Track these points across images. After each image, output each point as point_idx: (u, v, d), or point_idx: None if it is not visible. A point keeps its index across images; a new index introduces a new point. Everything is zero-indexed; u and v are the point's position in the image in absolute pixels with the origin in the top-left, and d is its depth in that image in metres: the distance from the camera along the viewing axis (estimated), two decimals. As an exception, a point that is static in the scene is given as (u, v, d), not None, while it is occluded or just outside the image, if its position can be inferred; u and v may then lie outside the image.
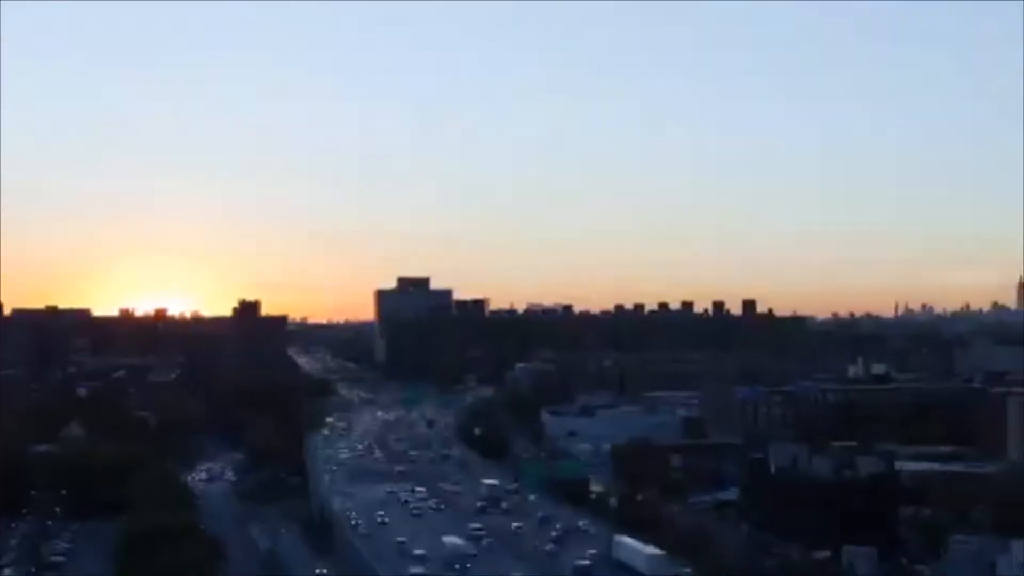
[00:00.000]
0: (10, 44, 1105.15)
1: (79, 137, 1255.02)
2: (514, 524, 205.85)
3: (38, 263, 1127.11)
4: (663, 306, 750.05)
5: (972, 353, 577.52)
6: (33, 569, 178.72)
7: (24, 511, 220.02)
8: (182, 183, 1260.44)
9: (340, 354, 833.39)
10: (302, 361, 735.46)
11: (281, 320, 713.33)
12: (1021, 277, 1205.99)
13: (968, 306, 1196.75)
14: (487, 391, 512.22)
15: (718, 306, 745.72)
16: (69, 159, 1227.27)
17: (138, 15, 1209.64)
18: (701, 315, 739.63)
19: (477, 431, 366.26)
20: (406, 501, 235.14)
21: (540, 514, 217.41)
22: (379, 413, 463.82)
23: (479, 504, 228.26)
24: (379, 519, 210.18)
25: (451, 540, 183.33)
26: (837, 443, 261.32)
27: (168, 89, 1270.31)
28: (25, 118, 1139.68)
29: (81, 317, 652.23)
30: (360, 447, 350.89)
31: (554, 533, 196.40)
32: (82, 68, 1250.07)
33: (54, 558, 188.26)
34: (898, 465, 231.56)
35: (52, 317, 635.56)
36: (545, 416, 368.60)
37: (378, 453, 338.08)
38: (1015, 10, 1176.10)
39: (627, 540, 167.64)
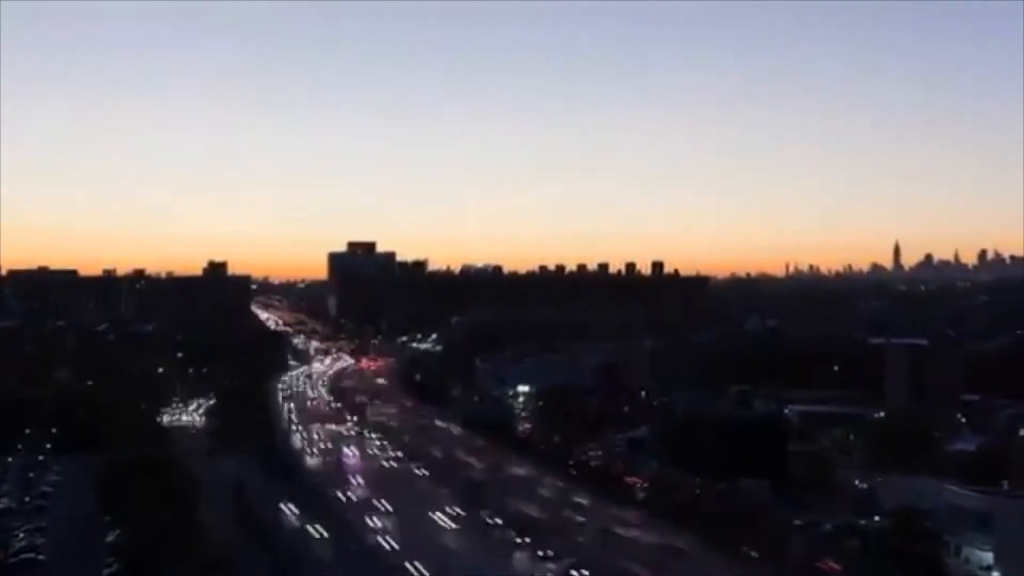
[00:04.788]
0: (9, 21, 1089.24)
1: (71, 119, 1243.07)
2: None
3: (30, 228, 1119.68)
4: (581, 267, 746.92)
5: (853, 308, 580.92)
6: (27, 499, 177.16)
7: (18, 448, 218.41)
8: (162, 158, 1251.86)
9: (297, 310, 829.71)
10: (264, 316, 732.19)
11: (246, 279, 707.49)
12: (897, 241, 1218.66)
13: (850, 267, 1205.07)
14: (427, 343, 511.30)
15: (630, 267, 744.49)
16: (61, 141, 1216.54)
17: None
18: (615, 275, 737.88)
19: (418, 378, 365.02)
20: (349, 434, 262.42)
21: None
22: (331, 362, 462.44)
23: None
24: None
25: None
26: (735, 387, 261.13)
27: (156, 69, 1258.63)
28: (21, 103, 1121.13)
29: (69, 277, 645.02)
30: (313, 392, 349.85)
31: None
32: (74, 49, 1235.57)
33: (45, 488, 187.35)
34: (788, 407, 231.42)
35: (43, 277, 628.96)
36: (478, 364, 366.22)
37: (328, 397, 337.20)
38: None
39: None
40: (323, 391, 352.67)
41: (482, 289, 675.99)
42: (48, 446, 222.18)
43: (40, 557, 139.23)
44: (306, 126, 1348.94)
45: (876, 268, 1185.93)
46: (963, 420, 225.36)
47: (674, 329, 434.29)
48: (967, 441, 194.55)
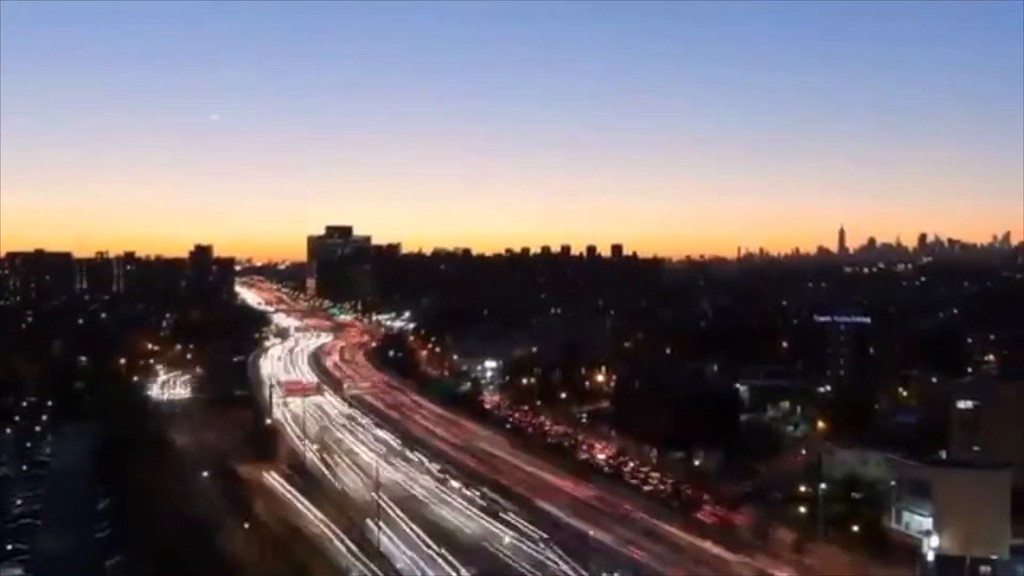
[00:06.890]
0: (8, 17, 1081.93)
1: (68, 112, 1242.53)
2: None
3: (28, 213, 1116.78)
4: (545, 249, 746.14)
5: (801, 289, 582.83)
6: (25, 466, 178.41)
7: (16, 419, 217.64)
8: (152, 150, 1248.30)
9: (278, 290, 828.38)
10: (247, 295, 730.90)
11: (230, 261, 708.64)
12: (842, 225, 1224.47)
13: (798, 250, 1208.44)
14: (400, 321, 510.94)
15: (591, 250, 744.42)
16: (58, 133, 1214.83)
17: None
18: (577, 257, 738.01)
19: (391, 354, 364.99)
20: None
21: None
22: (309, 339, 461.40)
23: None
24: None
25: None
26: (690, 362, 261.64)
27: (150, 63, 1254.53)
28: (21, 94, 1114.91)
29: (64, 258, 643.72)
30: (293, 367, 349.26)
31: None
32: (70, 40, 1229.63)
33: (41, 457, 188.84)
34: (740, 381, 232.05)
35: (40, 258, 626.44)
36: (448, 340, 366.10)
37: (307, 371, 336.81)
38: None
39: None
40: (302, 366, 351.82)
41: (452, 271, 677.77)
42: (44, 418, 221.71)
43: (37, 522, 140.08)
44: (292, 118, 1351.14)
45: (822, 251, 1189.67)
46: (903, 394, 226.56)
47: (632, 308, 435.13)
48: (908, 414, 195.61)
